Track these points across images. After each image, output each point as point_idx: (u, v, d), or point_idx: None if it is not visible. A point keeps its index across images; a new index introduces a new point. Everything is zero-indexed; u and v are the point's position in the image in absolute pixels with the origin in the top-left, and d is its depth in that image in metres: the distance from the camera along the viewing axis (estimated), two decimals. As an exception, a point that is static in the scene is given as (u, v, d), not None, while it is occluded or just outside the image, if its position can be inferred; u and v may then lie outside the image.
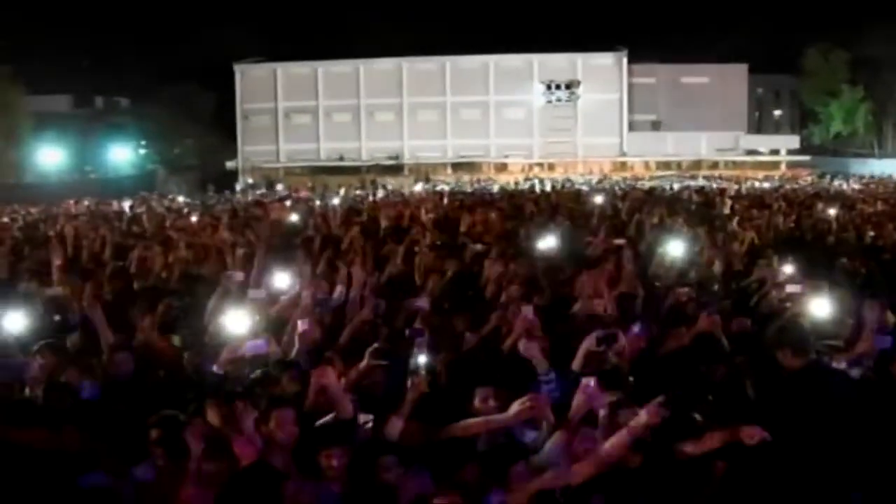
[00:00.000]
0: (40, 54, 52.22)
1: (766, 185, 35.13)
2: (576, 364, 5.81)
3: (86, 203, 28.40)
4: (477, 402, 5.34)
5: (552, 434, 5.00)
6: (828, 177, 43.53)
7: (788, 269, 8.62)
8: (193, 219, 18.11)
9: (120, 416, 5.25)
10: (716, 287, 8.94)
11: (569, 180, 41.46)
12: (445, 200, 22.74)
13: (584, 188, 32.27)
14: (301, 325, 6.43)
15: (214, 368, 5.85)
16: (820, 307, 6.82)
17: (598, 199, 20.67)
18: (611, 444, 4.58)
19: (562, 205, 20.15)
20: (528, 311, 6.66)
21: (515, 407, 4.94)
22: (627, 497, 4.65)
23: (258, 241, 10.96)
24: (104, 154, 58.15)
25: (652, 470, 4.77)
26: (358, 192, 35.97)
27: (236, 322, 6.24)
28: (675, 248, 9.88)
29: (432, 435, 5.01)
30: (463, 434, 5.03)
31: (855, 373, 5.67)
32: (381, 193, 32.33)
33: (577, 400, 5.00)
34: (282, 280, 8.04)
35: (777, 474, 4.57)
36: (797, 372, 4.77)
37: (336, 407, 5.18)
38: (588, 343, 5.86)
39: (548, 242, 10.84)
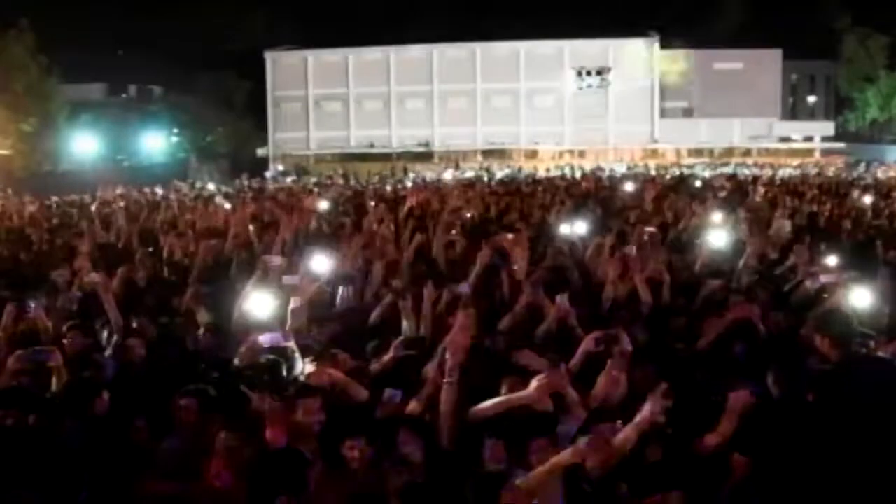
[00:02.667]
0: (75, 44, 52.60)
1: (798, 171, 34.73)
2: (574, 365, 5.77)
3: (118, 191, 28.64)
4: (504, 391, 5.33)
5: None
6: (862, 164, 42.84)
7: (823, 257, 8.51)
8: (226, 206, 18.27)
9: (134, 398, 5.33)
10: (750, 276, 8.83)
11: (600, 168, 41.25)
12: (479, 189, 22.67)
13: (616, 175, 32.10)
14: (293, 303, 6.49)
15: (235, 361, 5.90)
16: (857, 297, 6.72)
17: (629, 187, 20.52)
18: (621, 435, 4.54)
19: (592, 192, 20.05)
20: (562, 299, 6.65)
21: (534, 383, 4.94)
22: (650, 488, 4.61)
23: (292, 228, 11.06)
24: (137, 142, 58.63)
25: (673, 462, 4.75)
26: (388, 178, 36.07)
27: (260, 306, 6.28)
28: (709, 237, 9.75)
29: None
30: (485, 415, 5.02)
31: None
32: (408, 182, 32.35)
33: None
34: (316, 266, 8.08)
35: (811, 469, 4.50)
36: (836, 363, 4.68)
37: (349, 395, 5.22)
38: (587, 344, 5.81)
39: (578, 229, 10.78)
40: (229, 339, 6.52)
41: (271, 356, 5.72)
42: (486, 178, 32.72)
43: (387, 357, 5.87)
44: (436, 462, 4.64)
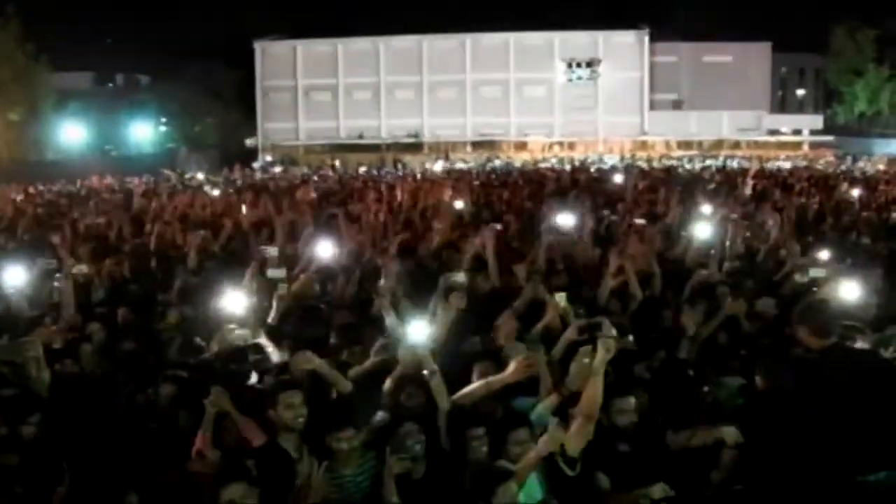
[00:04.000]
0: (62, 32, 52.28)
1: (787, 164, 34.84)
2: (557, 353, 5.77)
3: (108, 180, 28.53)
4: (476, 377, 5.35)
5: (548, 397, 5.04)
6: (849, 157, 42.98)
7: (813, 250, 8.53)
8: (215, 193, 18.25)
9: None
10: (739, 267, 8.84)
11: (589, 160, 41.28)
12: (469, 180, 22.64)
13: (605, 167, 32.15)
14: (279, 290, 6.48)
15: (207, 354, 5.89)
16: (844, 290, 6.73)
17: (618, 179, 20.53)
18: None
19: (581, 183, 20.06)
20: (560, 296, 6.66)
21: (512, 366, 4.96)
22: (630, 476, 4.63)
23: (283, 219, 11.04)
24: (125, 132, 58.30)
25: (655, 452, 4.78)
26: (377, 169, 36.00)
27: (233, 303, 6.25)
28: (699, 229, 9.75)
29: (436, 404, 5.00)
30: (466, 400, 5.03)
31: (883, 353, 5.56)
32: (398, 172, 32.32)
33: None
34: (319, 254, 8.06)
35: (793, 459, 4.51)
36: (819, 352, 4.69)
37: (334, 385, 5.20)
38: (570, 332, 5.83)
39: (566, 221, 10.74)
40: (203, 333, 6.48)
41: (242, 347, 5.69)
42: (476, 171, 32.65)
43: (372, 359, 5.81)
44: (435, 455, 4.63)
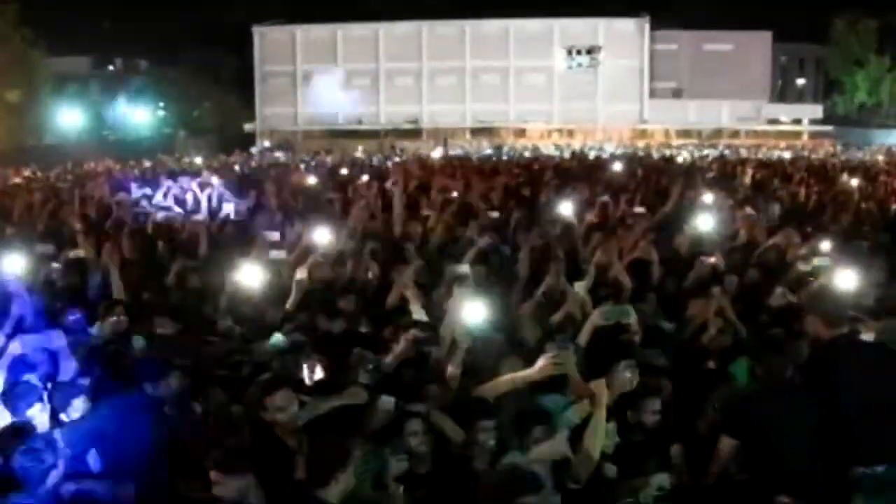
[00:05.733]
0: (60, 15, 51.94)
1: (787, 154, 34.74)
2: (582, 339, 5.75)
3: (106, 163, 28.47)
4: (505, 372, 5.28)
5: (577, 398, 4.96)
6: (839, 146, 42.92)
7: (814, 240, 8.52)
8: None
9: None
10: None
11: (589, 147, 41.16)
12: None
13: (604, 155, 32.07)
14: (299, 274, 6.47)
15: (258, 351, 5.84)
16: (845, 280, 6.72)
17: (617, 167, 20.46)
18: None
19: (580, 172, 20.00)
20: (580, 285, 6.64)
21: (540, 362, 4.90)
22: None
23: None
24: (123, 116, 58.12)
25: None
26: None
27: (249, 276, 6.24)
28: (699, 218, 9.71)
29: (462, 397, 4.97)
30: (491, 393, 4.95)
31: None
32: (397, 158, 32.23)
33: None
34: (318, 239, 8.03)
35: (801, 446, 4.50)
36: (829, 342, 4.66)
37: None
38: (595, 318, 5.80)
39: (565, 209, 10.68)
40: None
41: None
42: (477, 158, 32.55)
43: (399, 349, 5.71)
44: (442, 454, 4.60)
